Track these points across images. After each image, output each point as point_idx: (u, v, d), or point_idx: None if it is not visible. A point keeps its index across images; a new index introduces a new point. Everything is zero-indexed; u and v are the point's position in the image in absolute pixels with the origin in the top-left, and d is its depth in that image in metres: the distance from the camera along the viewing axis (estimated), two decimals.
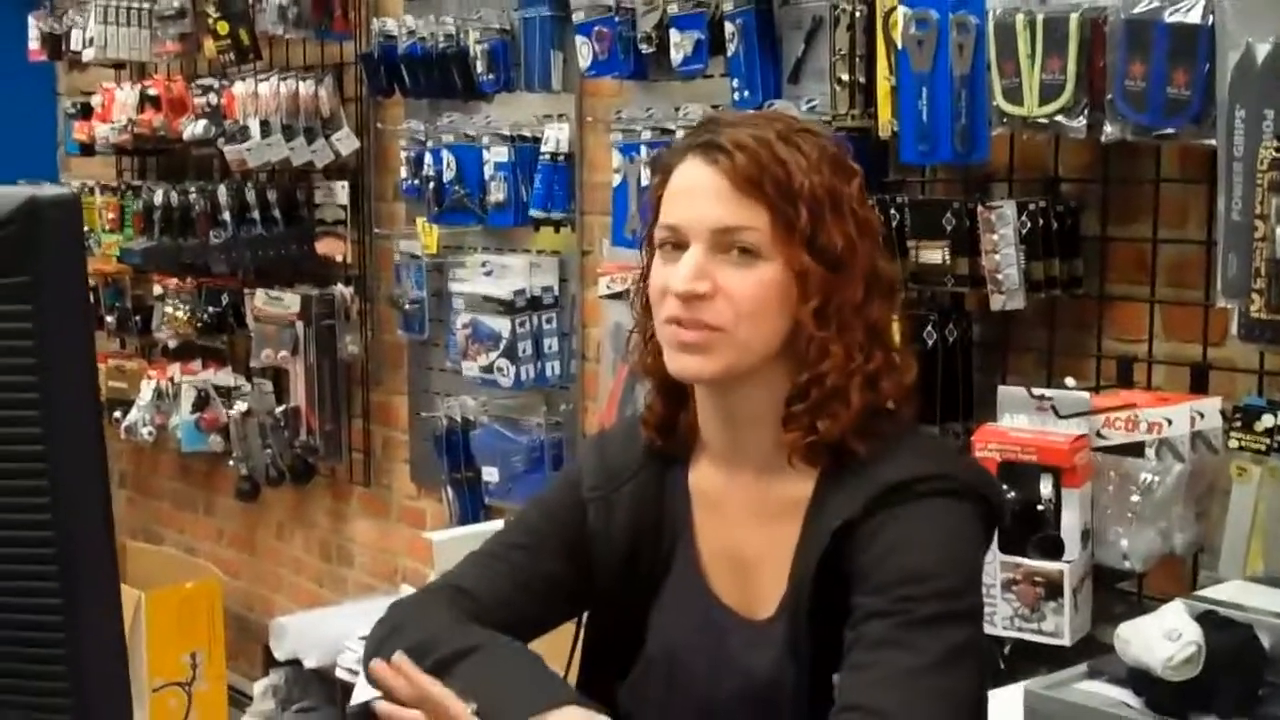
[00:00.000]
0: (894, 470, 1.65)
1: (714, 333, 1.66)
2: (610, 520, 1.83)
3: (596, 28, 3.36)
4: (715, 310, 1.65)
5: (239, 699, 4.60)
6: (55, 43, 5.14)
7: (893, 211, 2.70)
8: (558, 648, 1.98)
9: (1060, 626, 2.38)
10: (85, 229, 4.90)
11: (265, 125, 4.21)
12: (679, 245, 1.68)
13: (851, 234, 1.67)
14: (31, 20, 5.23)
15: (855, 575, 1.63)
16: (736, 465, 1.77)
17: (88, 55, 4.93)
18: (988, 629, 2.40)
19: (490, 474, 3.81)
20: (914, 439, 1.74)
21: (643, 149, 3.30)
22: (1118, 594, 2.49)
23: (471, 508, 3.90)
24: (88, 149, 5.07)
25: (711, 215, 1.65)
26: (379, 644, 1.77)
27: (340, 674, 3.67)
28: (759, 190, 1.64)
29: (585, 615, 1.93)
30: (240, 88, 4.28)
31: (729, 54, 3.11)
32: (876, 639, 1.57)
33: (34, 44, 5.23)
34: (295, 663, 3.94)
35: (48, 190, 0.97)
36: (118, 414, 4.88)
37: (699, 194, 1.66)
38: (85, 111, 5.03)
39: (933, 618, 1.57)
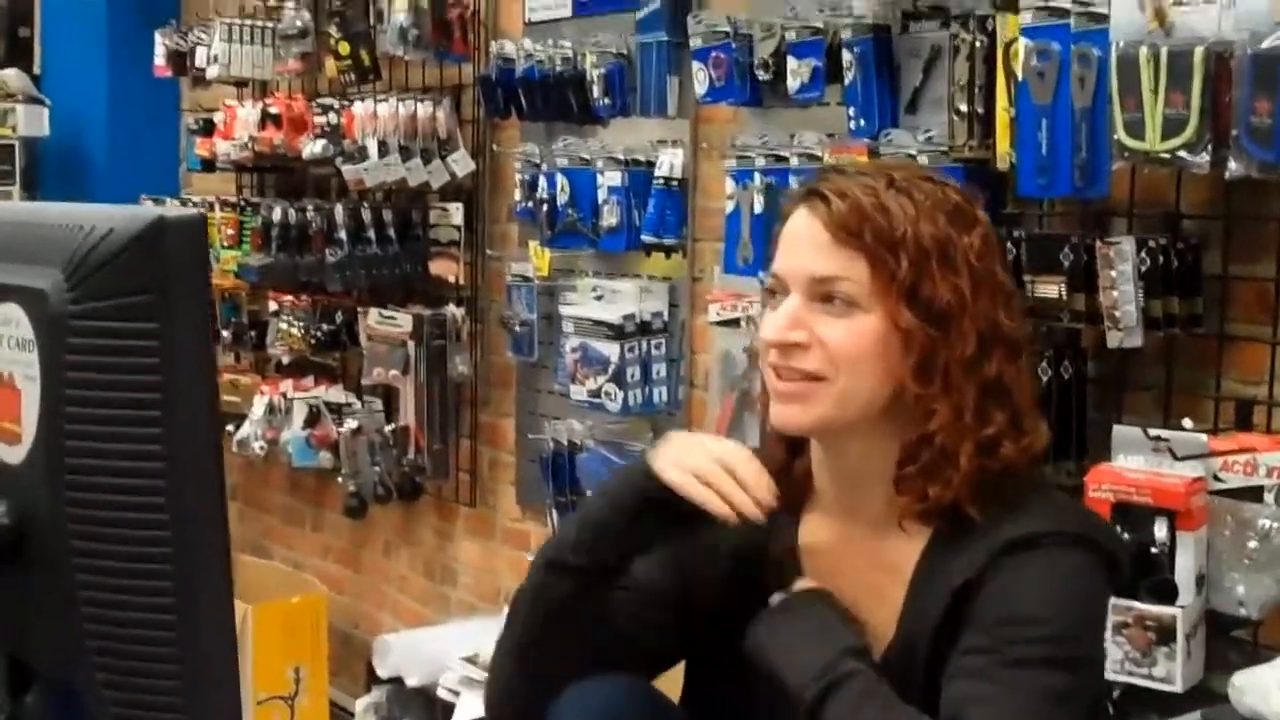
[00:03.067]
0: (1014, 528, 1.63)
1: (811, 382, 1.65)
2: (711, 565, 1.83)
3: (714, 54, 3.36)
4: (811, 359, 1.65)
5: (340, 715, 4.64)
6: (180, 60, 5.23)
7: (1009, 245, 2.67)
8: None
9: (1172, 673, 2.33)
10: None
11: (383, 145, 4.25)
12: (782, 293, 1.68)
13: (963, 287, 1.63)
14: (158, 37, 5.33)
15: (967, 621, 1.61)
16: (849, 521, 1.75)
17: (211, 73, 5.02)
18: None
19: None
20: (1036, 498, 1.70)
21: (756, 176, 3.28)
22: (1233, 641, 2.43)
23: None
24: (209, 165, 5.15)
25: (809, 264, 1.66)
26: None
27: (442, 694, 3.69)
28: (857, 239, 1.63)
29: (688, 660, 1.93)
30: (359, 108, 4.34)
31: (846, 82, 3.09)
32: (972, 672, 1.56)
33: (160, 60, 5.33)
34: (397, 681, 3.97)
35: (175, 211, 0.99)
36: (230, 427, 4.95)
37: (800, 242, 1.68)
38: (207, 128, 5.12)
39: (1030, 659, 1.55)
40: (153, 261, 0.97)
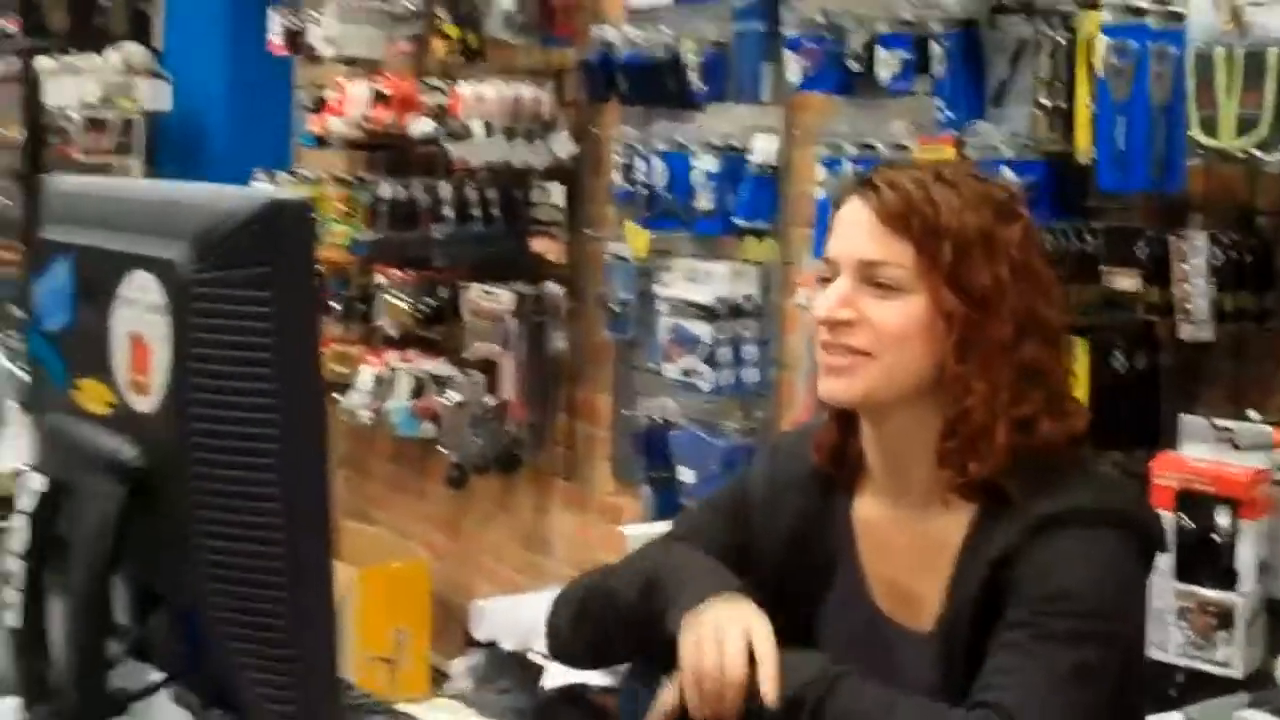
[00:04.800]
0: (1050, 504, 1.72)
1: (857, 356, 1.75)
2: (773, 528, 1.93)
3: (806, 44, 3.46)
4: (858, 336, 1.75)
5: (439, 677, 4.79)
6: (294, 38, 5.38)
7: (1087, 237, 2.75)
8: None
9: (1231, 657, 2.40)
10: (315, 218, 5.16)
11: (488, 126, 4.39)
12: (834, 276, 1.78)
13: (1002, 275, 1.73)
14: (273, 14, 5.47)
15: (1008, 596, 1.71)
16: (898, 498, 1.85)
17: (324, 51, 5.17)
18: (1159, 656, 2.43)
19: (686, 474, 3.91)
20: (1075, 475, 1.78)
21: (846, 164, 3.37)
22: None
23: (668, 506, 4.00)
24: (321, 141, 5.30)
25: (858, 249, 1.76)
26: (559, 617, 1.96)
27: (534, 658, 3.82)
28: (905, 226, 1.74)
29: None
30: (466, 89, 4.47)
31: (935, 74, 3.17)
32: (1011, 645, 1.65)
33: (274, 37, 5.47)
34: (493, 645, 4.11)
35: (287, 194, 1.12)
36: (338, 396, 5.12)
37: (851, 229, 1.78)
38: (320, 105, 5.27)
39: (1067, 633, 1.64)
40: (267, 238, 1.10)
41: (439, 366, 4.84)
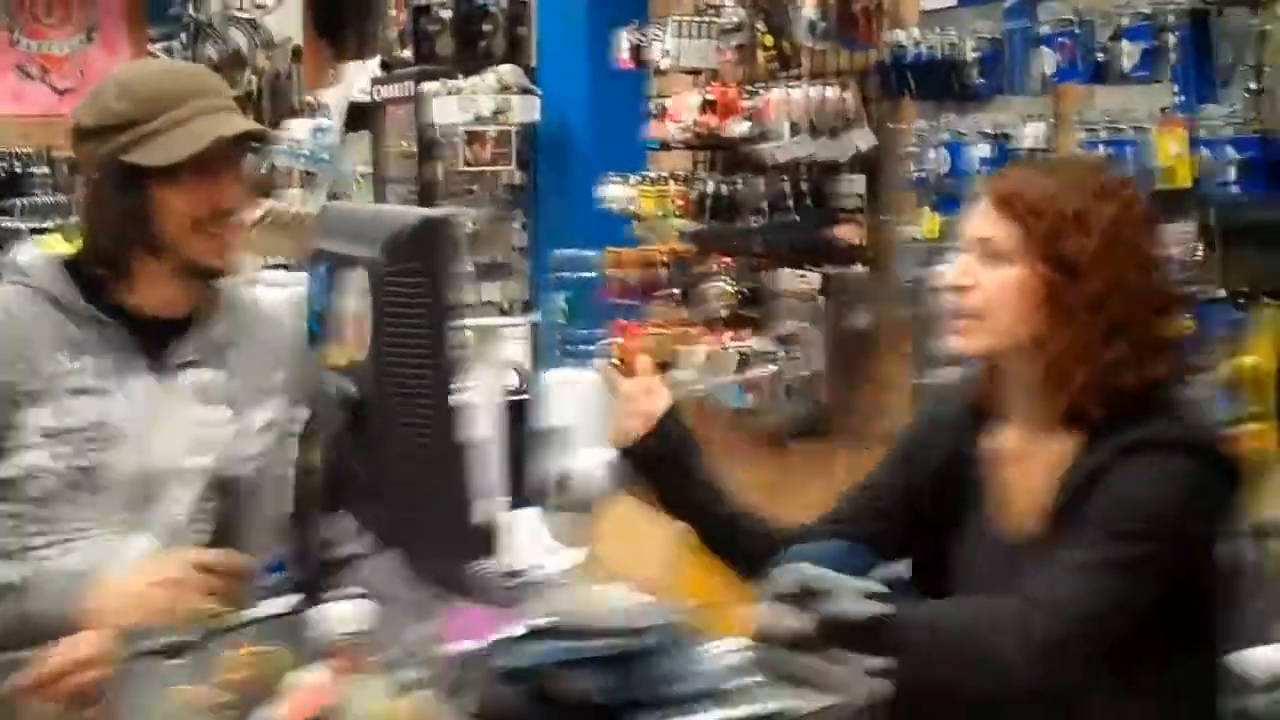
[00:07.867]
0: (1136, 432, 2.07)
1: (971, 318, 2.15)
2: (927, 460, 2.33)
3: (1060, 39, 3.78)
4: (972, 299, 2.14)
5: None
6: (638, 52, 5.94)
7: None
8: None
9: None
10: (659, 214, 5.73)
11: (794, 126, 4.84)
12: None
13: (1089, 247, 2.08)
14: (623, 33, 6.03)
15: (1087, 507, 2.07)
16: (1025, 427, 2.21)
17: (664, 64, 5.70)
18: None
19: None
20: (1164, 410, 2.11)
21: (1100, 147, 3.67)
22: None
23: None
24: (664, 145, 5.85)
25: (975, 228, 2.17)
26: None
27: None
28: (1010, 209, 2.12)
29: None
30: (776, 93, 4.93)
31: (1170, 62, 3.46)
32: (1071, 540, 2.01)
33: (624, 54, 6.05)
34: None
35: (435, 213, 1.63)
36: (676, 372, 5.64)
37: (973, 213, 2.19)
38: (661, 113, 5.81)
39: (1121, 533, 1.99)
40: (423, 243, 1.61)
41: (758, 342, 5.29)
